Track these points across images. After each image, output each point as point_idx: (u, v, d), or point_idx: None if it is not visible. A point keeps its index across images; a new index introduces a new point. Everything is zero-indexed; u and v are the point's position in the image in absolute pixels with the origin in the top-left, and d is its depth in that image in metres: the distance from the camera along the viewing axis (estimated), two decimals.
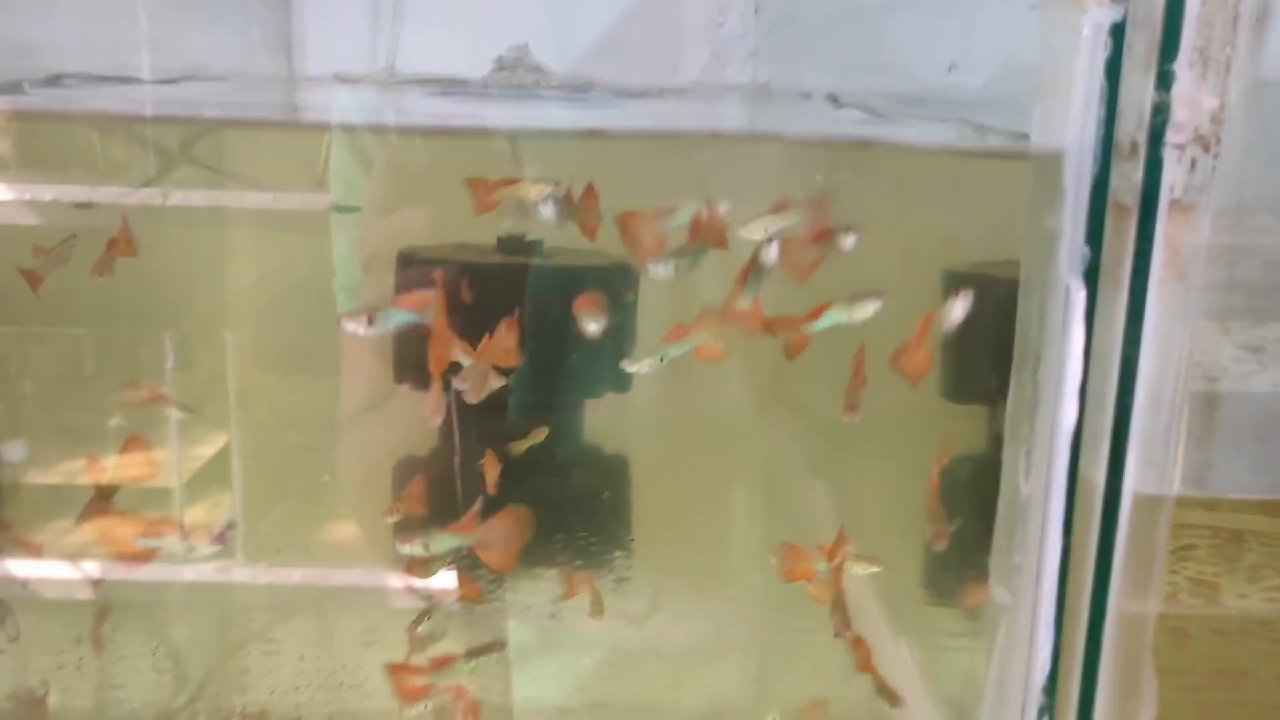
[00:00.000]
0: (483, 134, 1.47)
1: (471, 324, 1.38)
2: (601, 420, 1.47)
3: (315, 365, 1.64)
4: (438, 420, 1.23)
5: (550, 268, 1.44)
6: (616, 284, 1.46)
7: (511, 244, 1.44)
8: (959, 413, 1.31)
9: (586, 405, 1.47)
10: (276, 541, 1.66)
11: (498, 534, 1.18)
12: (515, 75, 1.46)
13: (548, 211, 1.22)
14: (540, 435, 1.33)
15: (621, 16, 1.47)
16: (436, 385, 1.23)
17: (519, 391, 1.40)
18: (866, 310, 1.05)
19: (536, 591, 1.45)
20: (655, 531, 1.46)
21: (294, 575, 1.64)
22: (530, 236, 1.44)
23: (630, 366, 1.13)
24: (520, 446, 1.32)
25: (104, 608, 1.45)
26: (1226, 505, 1.17)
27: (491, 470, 1.25)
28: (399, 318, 1.16)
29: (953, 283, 1.15)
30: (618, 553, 1.43)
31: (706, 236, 1.14)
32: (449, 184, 1.41)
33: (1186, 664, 1.09)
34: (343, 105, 1.49)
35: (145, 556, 1.33)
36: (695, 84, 1.47)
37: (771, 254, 1.06)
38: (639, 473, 1.50)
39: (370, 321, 1.09)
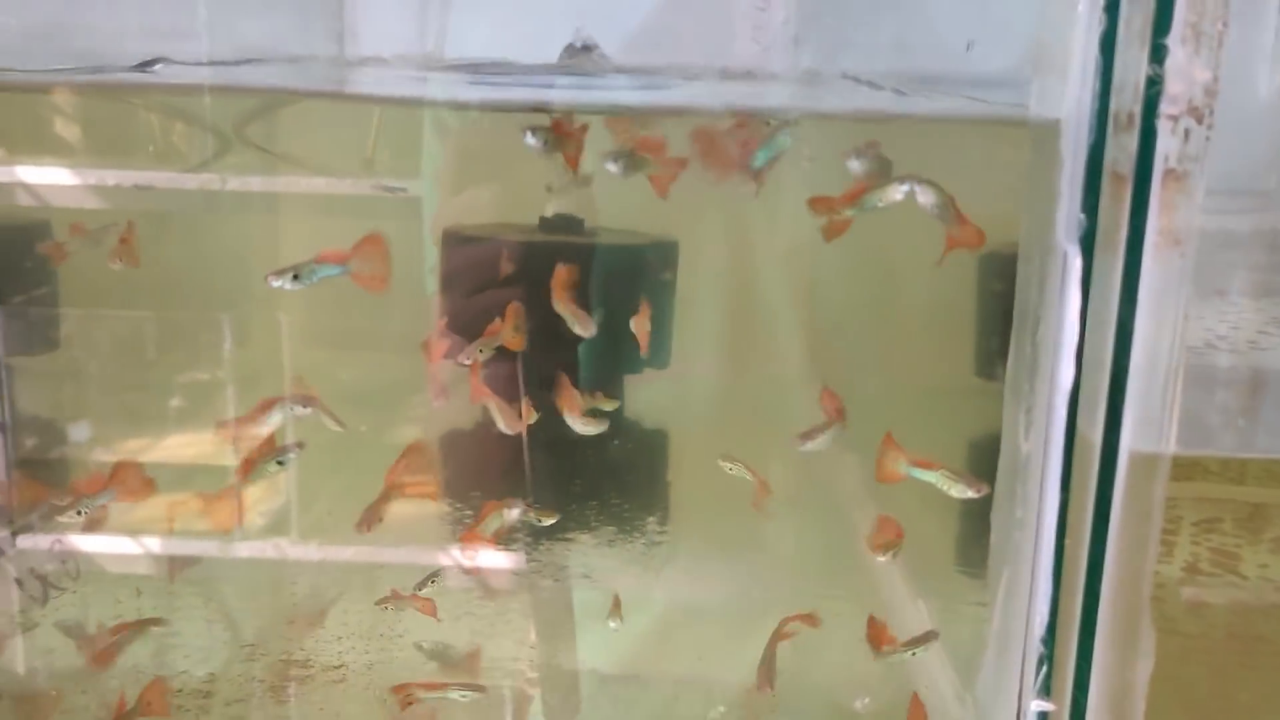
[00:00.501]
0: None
1: (513, 300, 1.47)
2: (641, 396, 1.54)
3: (368, 345, 1.72)
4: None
5: (591, 246, 1.51)
6: (656, 262, 1.54)
7: (554, 223, 1.51)
8: (992, 390, 1.36)
9: (626, 381, 1.55)
10: (329, 520, 1.74)
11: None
12: (574, 62, 1.53)
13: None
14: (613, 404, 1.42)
15: (666, 3, 1.53)
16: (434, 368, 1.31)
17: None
18: (897, 194, 1.10)
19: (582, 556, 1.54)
20: (692, 502, 1.54)
21: (345, 553, 1.71)
22: (573, 215, 1.51)
23: None
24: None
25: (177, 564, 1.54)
26: (1253, 479, 1.22)
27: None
28: (324, 271, 1.23)
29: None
30: (652, 520, 1.51)
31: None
32: (512, 161, 1.50)
33: (1203, 629, 1.15)
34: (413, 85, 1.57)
35: None
36: (738, 69, 1.53)
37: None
38: (676, 446, 1.58)
39: (296, 277, 1.17)
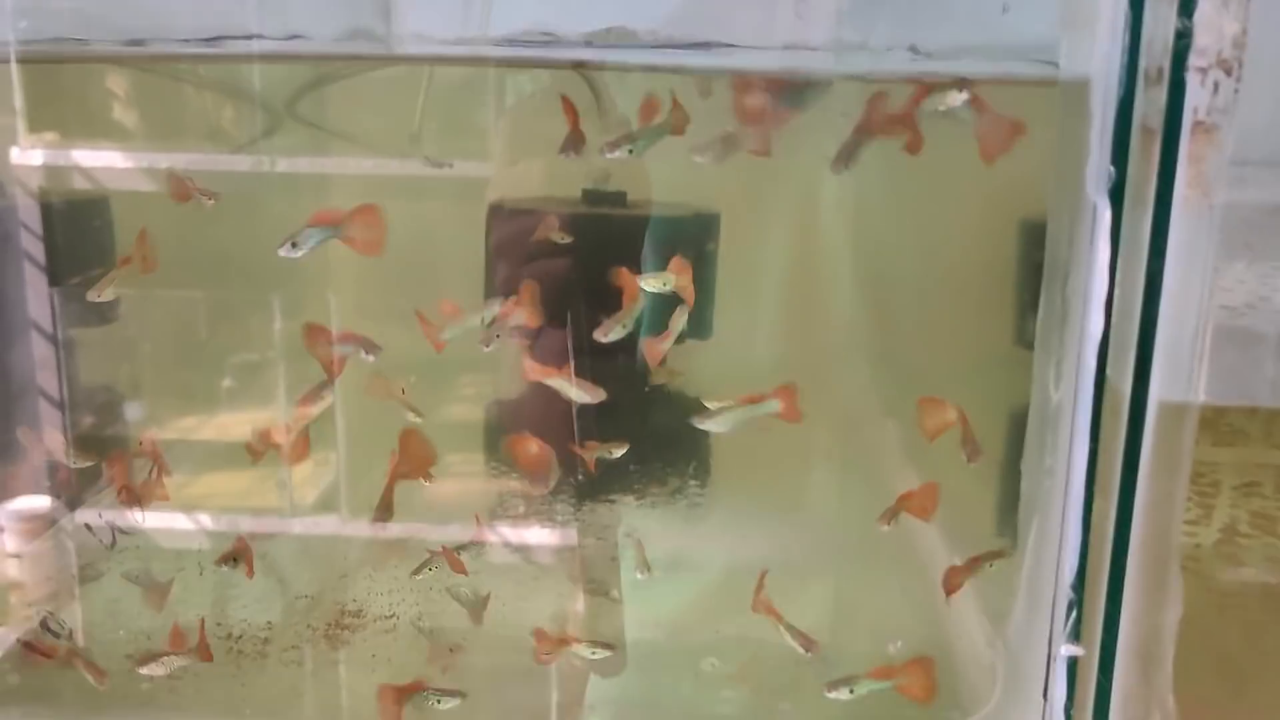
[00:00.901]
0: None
1: (558, 272, 1.52)
2: (683, 364, 1.59)
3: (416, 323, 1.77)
4: None
5: (633, 218, 1.56)
6: (697, 233, 1.58)
7: (596, 195, 1.55)
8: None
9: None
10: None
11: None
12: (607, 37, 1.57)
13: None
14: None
15: None
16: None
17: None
18: (956, 99, 1.13)
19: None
20: (732, 467, 1.58)
21: (392, 530, 1.76)
22: (613, 188, 1.55)
23: None
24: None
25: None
26: None
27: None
28: (318, 235, 1.27)
29: None
30: (693, 483, 1.55)
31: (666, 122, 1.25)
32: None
33: (1238, 587, 1.17)
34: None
35: None
36: (781, 43, 1.57)
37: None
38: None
39: (294, 245, 1.22)
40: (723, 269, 1.54)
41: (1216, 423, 1.25)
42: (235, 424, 1.92)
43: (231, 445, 1.87)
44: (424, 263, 1.68)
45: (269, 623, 1.52)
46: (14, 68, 1.65)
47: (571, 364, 1.54)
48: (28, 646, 1.53)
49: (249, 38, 1.49)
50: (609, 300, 1.49)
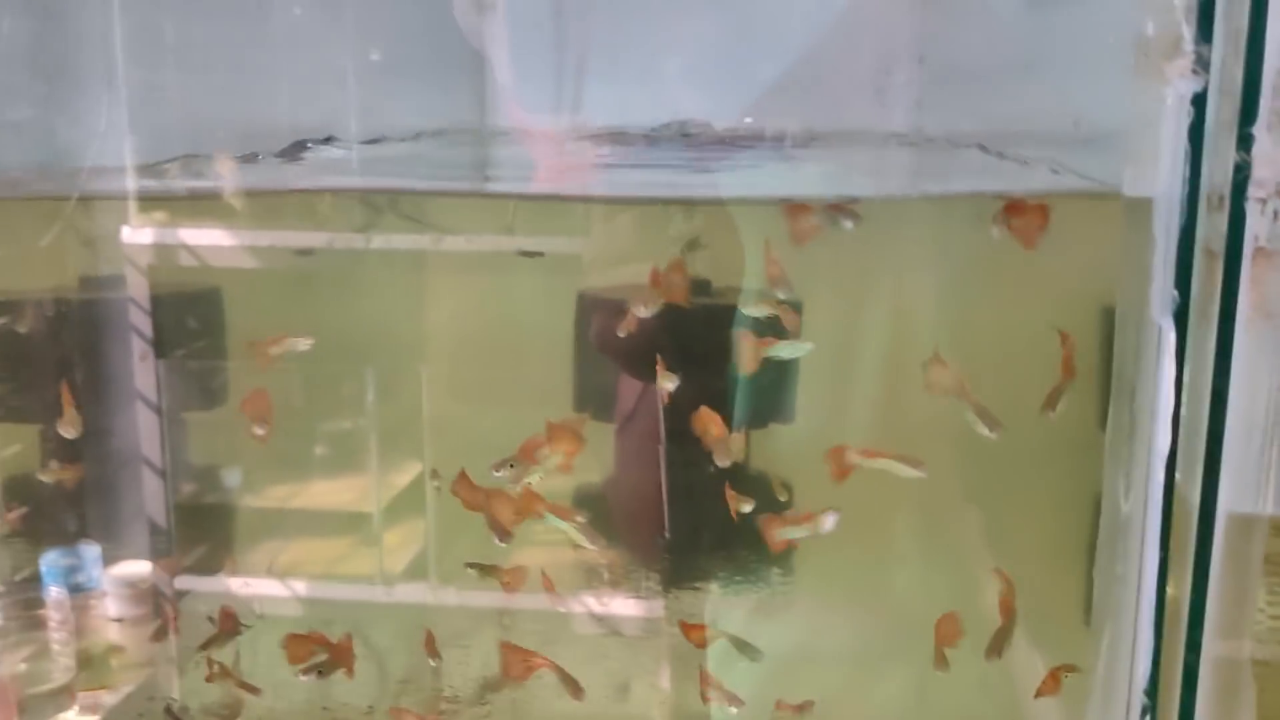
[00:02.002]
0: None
1: (646, 356, 1.62)
2: (766, 449, 1.68)
3: (503, 398, 1.87)
4: None
5: (718, 306, 1.66)
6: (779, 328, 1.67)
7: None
8: None
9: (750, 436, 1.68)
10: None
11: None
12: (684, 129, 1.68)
13: None
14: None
15: (793, 67, 1.66)
16: None
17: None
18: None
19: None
20: (813, 551, 1.66)
21: (482, 599, 1.85)
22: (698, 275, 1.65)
23: None
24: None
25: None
26: None
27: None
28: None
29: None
30: (776, 569, 1.64)
31: None
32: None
33: None
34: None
35: None
36: (861, 131, 1.66)
37: None
38: (800, 499, 1.70)
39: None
40: (806, 356, 1.63)
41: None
42: (328, 493, 2.00)
43: (324, 514, 1.98)
44: (513, 339, 1.78)
45: (370, 707, 1.63)
46: (129, 174, 1.78)
47: (662, 447, 1.64)
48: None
49: (347, 145, 1.61)
50: (695, 384, 1.58)
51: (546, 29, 1.67)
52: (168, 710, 1.66)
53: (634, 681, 1.69)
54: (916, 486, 1.50)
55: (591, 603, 1.77)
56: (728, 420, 1.51)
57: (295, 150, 1.65)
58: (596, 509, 1.67)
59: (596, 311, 1.64)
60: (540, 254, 1.69)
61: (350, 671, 1.55)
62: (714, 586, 1.62)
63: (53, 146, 1.72)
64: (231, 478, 2.05)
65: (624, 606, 1.80)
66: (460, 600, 1.84)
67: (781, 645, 1.55)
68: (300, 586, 1.94)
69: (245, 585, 1.92)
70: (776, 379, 1.60)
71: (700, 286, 1.62)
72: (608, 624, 1.76)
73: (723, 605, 1.62)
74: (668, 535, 1.67)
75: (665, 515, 1.65)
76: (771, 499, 1.67)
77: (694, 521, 1.61)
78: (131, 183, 1.74)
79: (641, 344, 1.59)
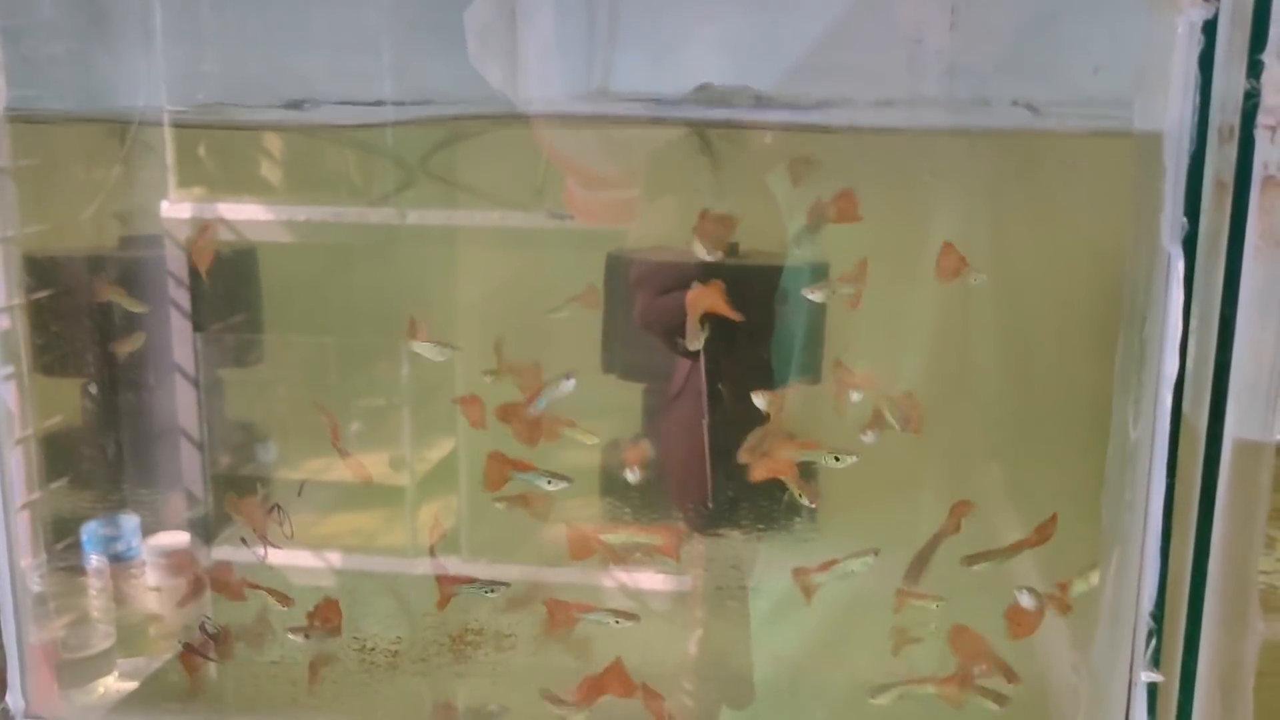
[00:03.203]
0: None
1: (674, 319, 1.66)
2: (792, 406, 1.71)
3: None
4: None
5: (748, 267, 1.69)
6: (809, 282, 1.71)
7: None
8: None
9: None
10: (496, 540, 1.93)
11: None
12: (715, 94, 1.72)
13: None
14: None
15: (824, 35, 1.70)
16: None
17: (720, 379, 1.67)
18: None
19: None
20: (838, 505, 1.70)
21: (511, 572, 1.89)
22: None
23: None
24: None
25: None
26: None
27: None
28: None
29: None
30: (800, 519, 1.67)
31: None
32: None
33: None
34: None
35: None
36: (894, 98, 1.69)
37: None
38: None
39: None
40: (831, 316, 1.66)
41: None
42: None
43: (358, 487, 2.02)
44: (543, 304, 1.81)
45: (398, 637, 1.68)
46: (166, 130, 1.84)
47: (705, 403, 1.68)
48: (188, 648, 1.69)
49: (379, 104, 1.66)
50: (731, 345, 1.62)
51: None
52: (201, 628, 1.71)
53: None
54: (939, 445, 1.54)
55: (630, 575, 1.79)
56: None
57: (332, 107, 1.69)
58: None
59: (622, 276, 1.67)
60: (571, 216, 1.73)
61: (338, 632, 1.59)
62: (735, 534, 1.66)
63: (90, 92, 1.77)
64: (266, 450, 2.05)
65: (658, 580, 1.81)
66: (491, 573, 1.85)
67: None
68: (334, 558, 1.98)
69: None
70: (804, 338, 1.63)
71: (729, 249, 1.65)
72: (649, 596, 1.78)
73: (745, 550, 1.65)
74: (710, 506, 1.71)
75: (710, 486, 1.69)
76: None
77: (718, 477, 1.64)
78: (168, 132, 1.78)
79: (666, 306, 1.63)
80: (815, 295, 1.49)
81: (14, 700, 1.51)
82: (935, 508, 1.52)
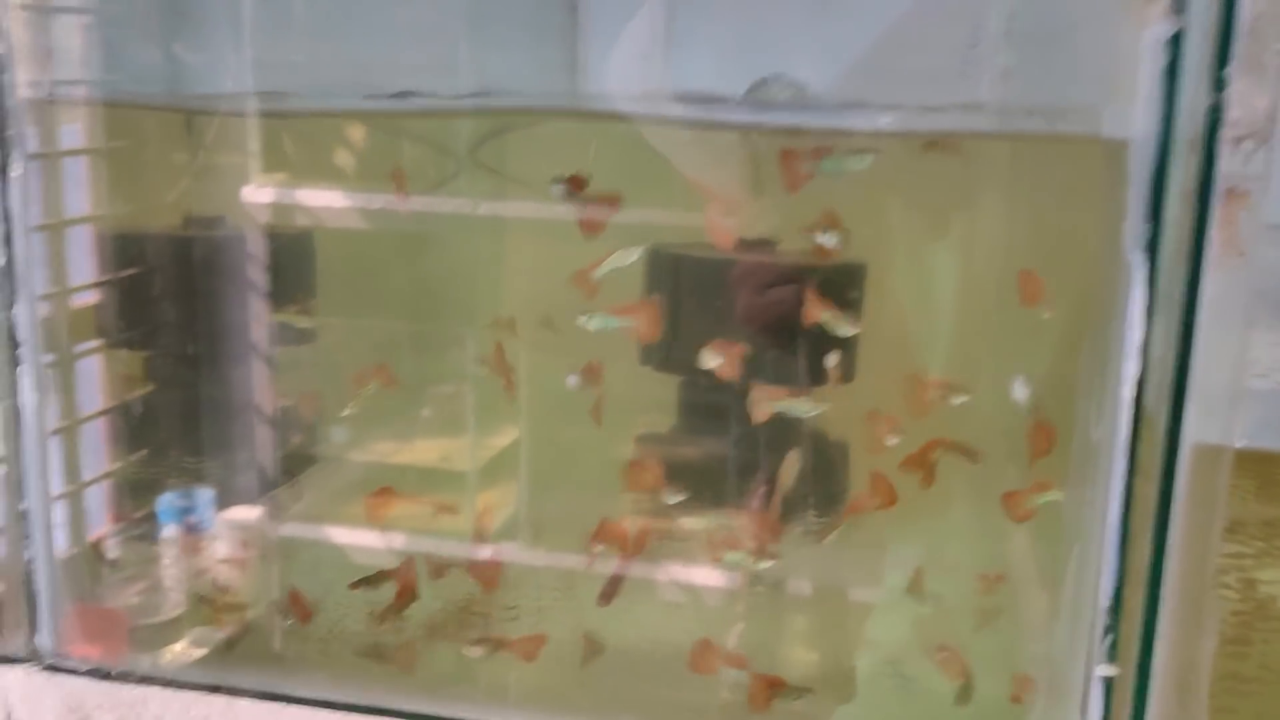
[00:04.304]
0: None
1: (711, 313, 1.76)
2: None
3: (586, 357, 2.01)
4: None
5: (782, 265, 1.78)
6: (843, 281, 1.79)
7: (749, 243, 1.79)
8: None
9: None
10: (556, 528, 2.04)
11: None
12: (773, 92, 1.81)
13: None
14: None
15: (880, 38, 1.78)
16: None
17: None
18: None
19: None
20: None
21: (568, 560, 2.00)
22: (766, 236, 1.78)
23: None
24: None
25: None
26: None
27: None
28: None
29: None
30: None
31: None
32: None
33: None
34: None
35: None
36: (948, 103, 1.77)
37: None
38: (857, 456, 1.82)
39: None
40: (867, 317, 1.75)
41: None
42: (427, 450, 2.18)
43: (422, 470, 2.14)
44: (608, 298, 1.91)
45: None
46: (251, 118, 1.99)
47: None
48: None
49: (433, 96, 1.79)
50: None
51: None
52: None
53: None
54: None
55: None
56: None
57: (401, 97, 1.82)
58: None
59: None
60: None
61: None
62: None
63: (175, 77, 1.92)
64: (337, 431, 2.18)
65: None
66: (548, 561, 1.95)
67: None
68: (397, 539, 2.06)
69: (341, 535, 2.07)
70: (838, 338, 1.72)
71: (763, 246, 1.74)
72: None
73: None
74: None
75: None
76: (832, 454, 1.80)
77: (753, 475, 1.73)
78: (254, 120, 1.92)
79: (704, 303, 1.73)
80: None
81: (42, 641, 1.65)
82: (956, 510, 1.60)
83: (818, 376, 1.73)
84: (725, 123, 1.74)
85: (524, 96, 1.86)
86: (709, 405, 1.86)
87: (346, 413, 1.88)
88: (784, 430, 1.74)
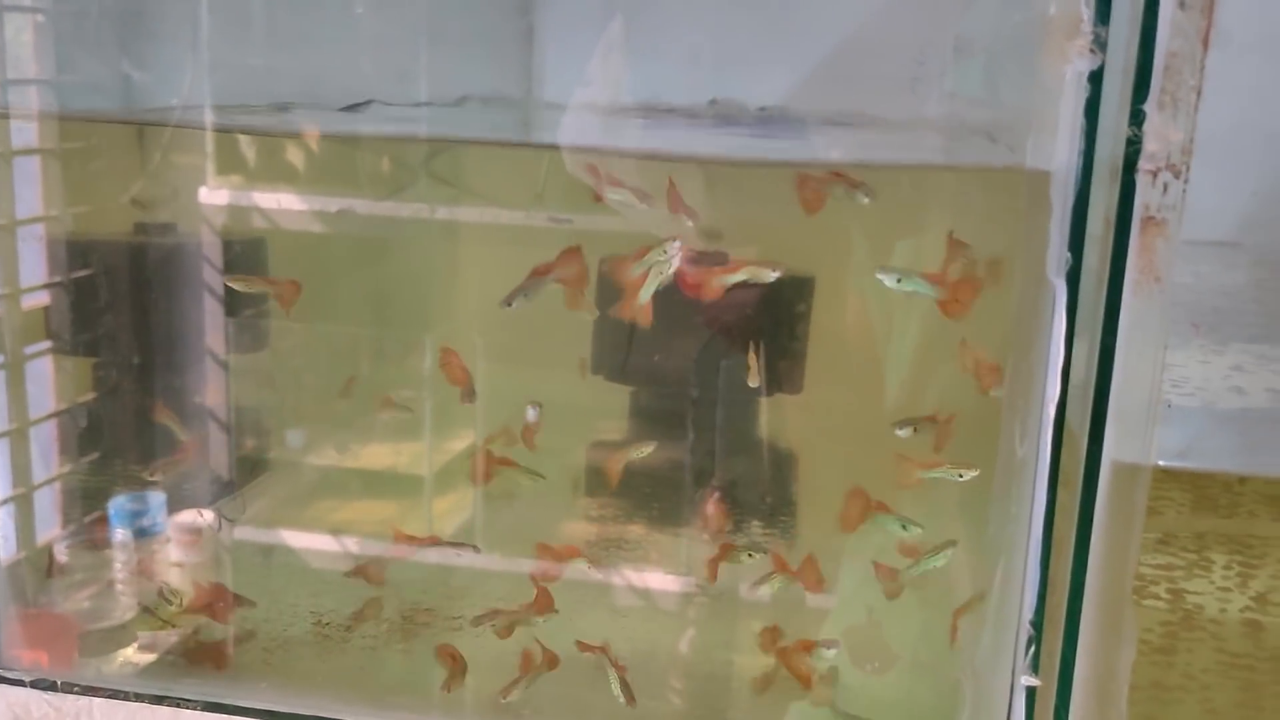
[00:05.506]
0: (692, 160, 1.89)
1: (659, 323, 1.83)
2: (773, 418, 1.88)
3: (554, 368, 2.09)
4: None
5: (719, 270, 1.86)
6: (792, 294, 1.87)
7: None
8: None
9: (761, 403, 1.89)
10: (511, 534, 2.10)
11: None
12: (724, 108, 1.88)
13: None
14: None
15: (830, 53, 1.86)
16: None
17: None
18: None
19: None
20: (816, 514, 1.86)
21: (524, 565, 2.04)
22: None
23: None
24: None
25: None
26: None
27: None
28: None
29: None
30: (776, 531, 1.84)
31: None
32: None
33: (1250, 650, 1.41)
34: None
35: None
36: (894, 119, 1.85)
37: None
38: (805, 467, 1.91)
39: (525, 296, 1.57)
40: (814, 329, 1.83)
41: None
42: (383, 455, 2.23)
43: (377, 474, 2.20)
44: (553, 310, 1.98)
45: (354, 612, 1.88)
46: (208, 118, 2.05)
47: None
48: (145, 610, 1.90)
49: (388, 104, 1.86)
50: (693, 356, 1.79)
51: (593, 5, 1.87)
52: (160, 594, 1.92)
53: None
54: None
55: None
56: None
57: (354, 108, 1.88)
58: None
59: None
60: (569, 220, 1.90)
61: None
62: None
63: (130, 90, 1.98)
64: (295, 438, 2.25)
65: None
66: (505, 566, 2.02)
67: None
68: (351, 543, 2.15)
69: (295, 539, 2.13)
70: (786, 350, 1.80)
71: (716, 258, 1.82)
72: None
73: None
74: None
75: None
76: (780, 465, 1.88)
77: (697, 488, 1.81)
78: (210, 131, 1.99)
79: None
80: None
81: None
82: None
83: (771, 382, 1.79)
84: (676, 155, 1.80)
85: (478, 107, 1.90)
86: (660, 412, 1.93)
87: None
88: (735, 438, 1.82)
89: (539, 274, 1.60)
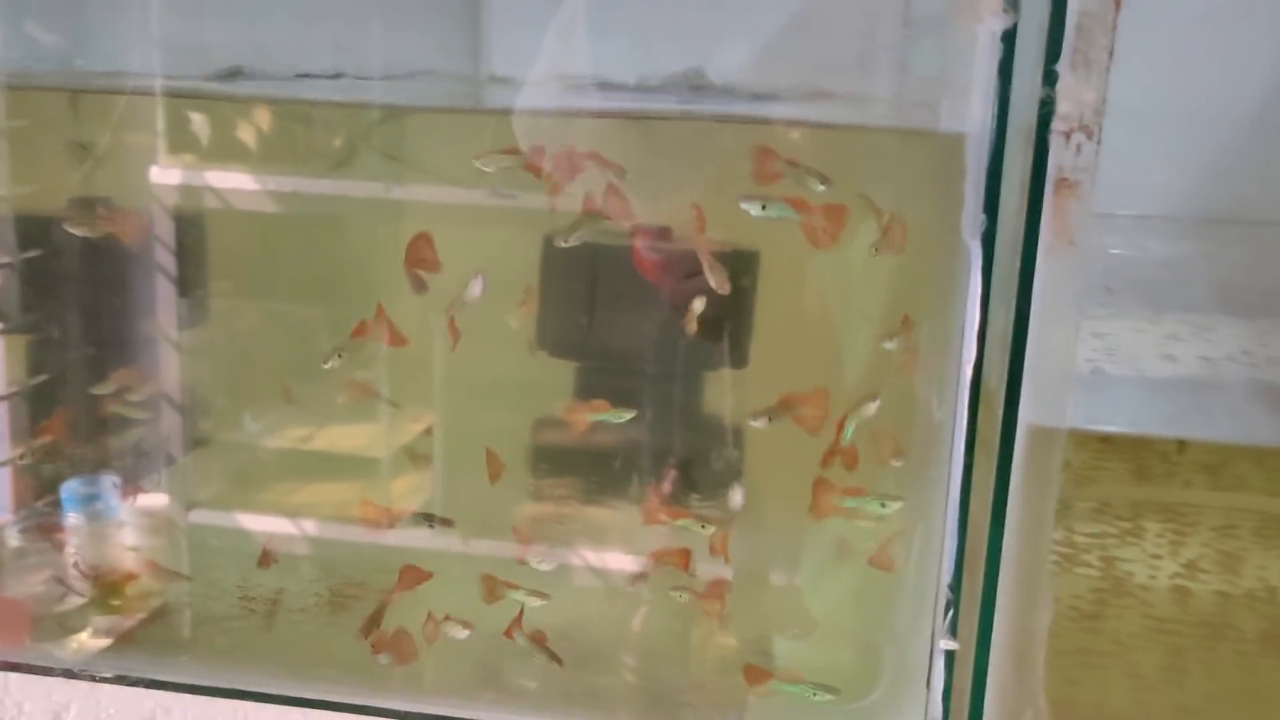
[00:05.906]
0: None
1: (605, 299, 1.85)
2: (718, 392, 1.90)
3: (508, 349, 2.10)
4: None
5: (676, 251, 1.88)
6: (736, 269, 1.88)
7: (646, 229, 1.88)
8: None
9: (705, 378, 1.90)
10: (471, 515, 2.12)
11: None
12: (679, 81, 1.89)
13: None
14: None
15: (781, 29, 1.87)
16: None
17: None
18: None
19: None
20: (760, 489, 1.88)
21: (484, 546, 2.08)
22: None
23: None
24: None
25: None
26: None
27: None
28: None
29: None
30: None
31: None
32: None
33: (1178, 615, 1.42)
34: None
35: None
36: (844, 92, 1.86)
37: None
38: (751, 440, 1.92)
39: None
40: (760, 304, 1.84)
41: (1220, 469, 1.51)
42: (335, 437, 2.24)
43: (330, 457, 2.22)
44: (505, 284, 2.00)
45: (282, 589, 1.89)
46: (159, 96, 2.06)
47: None
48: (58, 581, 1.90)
49: (336, 77, 1.87)
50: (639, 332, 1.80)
51: None
52: (75, 566, 1.92)
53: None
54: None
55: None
56: None
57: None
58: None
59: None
60: (513, 195, 1.91)
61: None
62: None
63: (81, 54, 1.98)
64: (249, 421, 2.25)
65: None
66: (464, 549, 2.03)
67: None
68: (309, 526, 2.16)
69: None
70: (731, 325, 1.81)
71: (661, 233, 1.83)
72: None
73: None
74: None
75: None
76: (724, 439, 1.89)
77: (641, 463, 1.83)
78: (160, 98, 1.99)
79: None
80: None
81: None
82: None
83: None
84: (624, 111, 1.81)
85: (426, 79, 1.91)
86: (604, 390, 1.94)
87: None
88: (682, 414, 1.83)
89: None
